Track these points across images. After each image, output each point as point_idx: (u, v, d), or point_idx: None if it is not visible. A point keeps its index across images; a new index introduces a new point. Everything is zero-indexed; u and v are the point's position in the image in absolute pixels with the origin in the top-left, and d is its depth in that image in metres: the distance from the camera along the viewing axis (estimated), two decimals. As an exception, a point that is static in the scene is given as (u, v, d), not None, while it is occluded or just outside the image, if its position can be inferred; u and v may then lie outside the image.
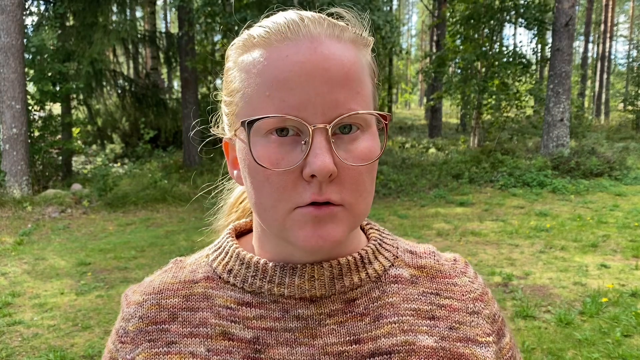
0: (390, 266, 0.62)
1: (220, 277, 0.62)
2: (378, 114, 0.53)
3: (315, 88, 0.50)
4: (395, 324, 0.58)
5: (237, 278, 0.60)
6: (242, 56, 0.55)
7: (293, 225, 0.52)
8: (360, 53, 0.55)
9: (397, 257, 0.64)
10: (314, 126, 0.49)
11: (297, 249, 0.57)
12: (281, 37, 0.52)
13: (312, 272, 0.58)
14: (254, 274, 0.59)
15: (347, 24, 0.56)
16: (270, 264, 0.59)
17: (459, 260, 0.67)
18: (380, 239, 0.65)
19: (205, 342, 0.58)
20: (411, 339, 0.58)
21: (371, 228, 0.67)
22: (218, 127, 0.65)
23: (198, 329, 0.59)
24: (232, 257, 0.62)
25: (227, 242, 0.64)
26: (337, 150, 0.51)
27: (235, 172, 0.61)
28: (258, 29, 0.54)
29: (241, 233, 0.69)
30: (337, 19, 0.56)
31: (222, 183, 0.75)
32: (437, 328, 0.59)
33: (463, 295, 0.62)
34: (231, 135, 0.59)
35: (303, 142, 0.51)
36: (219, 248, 0.65)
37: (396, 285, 0.61)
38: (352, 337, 0.57)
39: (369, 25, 0.58)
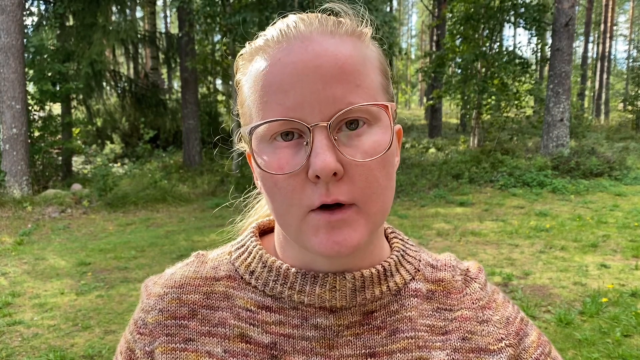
0: (410, 280, 0.61)
1: (242, 278, 0.61)
2: (378, 104, 0.51)
3: (309, 87, 0.49)
4: (411, 339, 0.58)
5: (259, 281, 0.60)
6: (246, 67, 0.55)
7: (308, 231, 0.51)
8: (361, 45, 0.53)
9: (419, 271, 0.63)
10: (312, 125, 0.48)
11: (317, 256, 0.56)
12: (275, 42, 0.52)
13: (334, 283, 0.57)
14: (276, 278, 0.59)
15: (343, 18, 0.54)
16: (293, 270, 0.58)
17: (472, 268, 0.66)
18: (403, 250, 0.63)
19: (223, 343, 0.58)
20: (425, 355, 0.57)
21: (395, 237, 0.66)
22: (242, 141, 0.64)
23: (217, 329, 0.59)
24: (255, 258, 0.61)
25: (251, 242, 0.63)
26: (342, 147, 0.50)
27: (258, 182, 0.60)
28: (259, 39, 0.55)
29: (264, 231, 0.69)
30: (334, 14, 0.55)
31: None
32: (449, 341, 0.59)
33: (473, 303, 0.62)
34: (247, 147, 0.58)
35: (305, 143, 0.50)
36: (242, 246, 0.64)
37: (415, 299, 0.60)
38: (367, 350, 0.57)
39: (367, 16, 0.56)
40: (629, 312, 3.78)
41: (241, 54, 0.57)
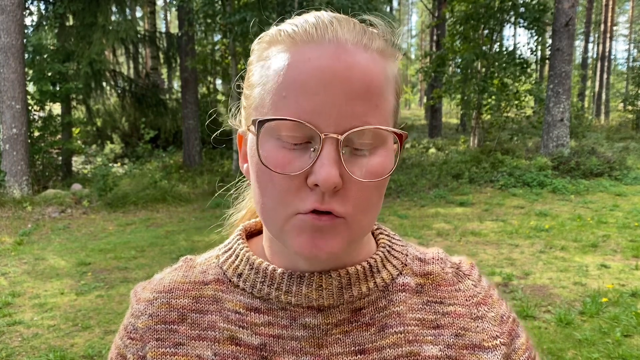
0: (398, 274, 0.61)
1: (230, 281, 0.61)
2: (394, 131, 0.51)
3: (333, 96, 0.48)
4: (401, 334, 0.58)
5: (247, 283, 0.60)
6: (266, 51, 0.54)
7: (292, 231, 0.51)
8: (387, 65, 0.53)
9: (406, 265, 0.63)
10: (325, 135, 0.48)
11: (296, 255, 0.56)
12: (307, 38, 0.51)
13: (320, 282, 0.57)
14: (263, 280, 0.59)
15: (377, 33, 0.54)
16: (279, 271, 0.58)
17: (463, 263, 0.65)
18: (389, 246, 0.63)
19: (213, 346, 0.58)
20: (416, 349, 0.57)
21: (381, 233, 0.66)
22: (235, 118, 0.63)
23: (206, 332, 0.59)
24: (242, 260, 0.61)
25: (238, 244, 0.63)
26: (346, 163, 0.49)
27: (245, 165, 0.59)
28: (287, 26, 0.53)
29: (251, 233, 0.68)
30: (368, 26, 0.55)
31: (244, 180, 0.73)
32: (442, 336, 0.58)
33: (467, 300, 0.61)
34: (245, 129, 0.58)
35: (312, 149, 0.50)
36: (230, 249, 0.64)
37: (403, 293, 0.60)
38: (357, 347, 0.57)
39: (400, 37, 0.57)
40: (629, 312, 3.79)
41: (261, 37, 0.56)
